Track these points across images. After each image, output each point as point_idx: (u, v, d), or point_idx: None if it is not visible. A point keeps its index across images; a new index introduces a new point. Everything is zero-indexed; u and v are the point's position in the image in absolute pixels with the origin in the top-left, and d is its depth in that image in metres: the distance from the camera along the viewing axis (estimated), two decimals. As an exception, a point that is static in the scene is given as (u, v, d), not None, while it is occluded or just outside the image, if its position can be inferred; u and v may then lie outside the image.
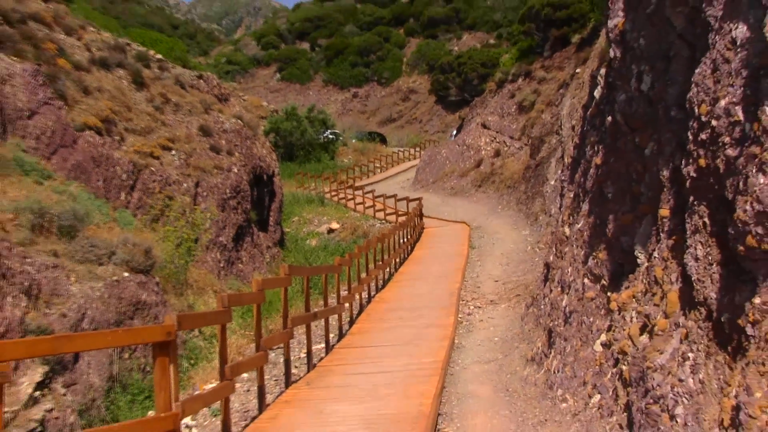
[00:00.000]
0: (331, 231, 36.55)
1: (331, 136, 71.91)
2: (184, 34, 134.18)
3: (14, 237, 15.35)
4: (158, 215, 21.14)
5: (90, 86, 22.60)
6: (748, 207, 5.75)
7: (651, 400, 7.10)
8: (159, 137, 23.50)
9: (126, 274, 16.69)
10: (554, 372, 11.05)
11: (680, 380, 6.71)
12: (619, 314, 8.95)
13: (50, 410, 12.49)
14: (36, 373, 12.70)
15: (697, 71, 7.13)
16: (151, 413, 10.93)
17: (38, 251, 15.50)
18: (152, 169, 21.90)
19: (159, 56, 31.57)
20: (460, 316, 17.97)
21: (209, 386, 12.47)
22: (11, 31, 21.15)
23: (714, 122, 6.55)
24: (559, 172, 23.70)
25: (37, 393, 12.57)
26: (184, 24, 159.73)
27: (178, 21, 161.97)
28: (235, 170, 25.70)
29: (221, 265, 22.45)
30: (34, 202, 16.46)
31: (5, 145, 18.08)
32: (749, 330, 5.71)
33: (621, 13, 10.52)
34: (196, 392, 12.15)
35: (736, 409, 5.43)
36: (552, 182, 27.69)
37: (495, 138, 46.88)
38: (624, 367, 8.25)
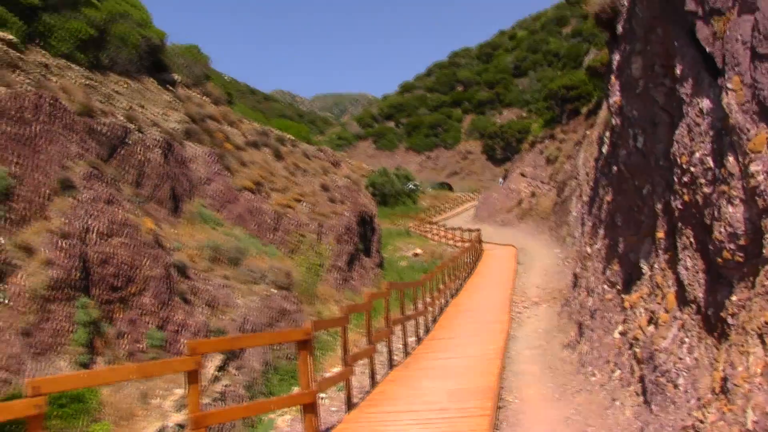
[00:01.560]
0: (416, 255, 36.48)
1: (412, 187, 72.21)
2: (307, 120, 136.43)
3: (200, 266, 15.75)
4: (294, 248, 21.40)
5: (246, 160, 23.12)
6: (722, 230, 5.79)
7: (659, 374, 6.97)
8: (293, 193, 23.85)
9: (274, 291, 16.97)
10: (585, 354, 10.90)
11: (680, 359, 6.61)
12: (631, 311, 8.82)
13: (227, 385, 12.74)
14: (217, 359, 12.98)
15: (677, 132, 7.18)
16: (296, 389, 11.01)
17: (215, 275, 15.87)
18: (289, 215, 22.22)
19: (291, 137, 32.14)
20: (512, 314, 17.79)
21: (335, 370, 12.53)
22: (196, 127, 21.84)
23: (692, 168, 6.65)
24: (579, 206, 23.42)
25: (218, 373, 12.84)
26: (307, 113, 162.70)
27: (303, 111, 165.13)
28: (347, 214, 25.86)
29: (339, 282, 22.55)
30: (211, 241, 16.88)
31: (192, 203, 18.59)
32: (729, 320, 5.66)
33: (618, 93, 10.61)
34: (327, 375, 12.20)
35: (724, 380, 5.32)
36: (574, 213, 27.37)
37: (531, 183, 46.84)
38: (637, 350, 8.12)
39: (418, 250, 37.65)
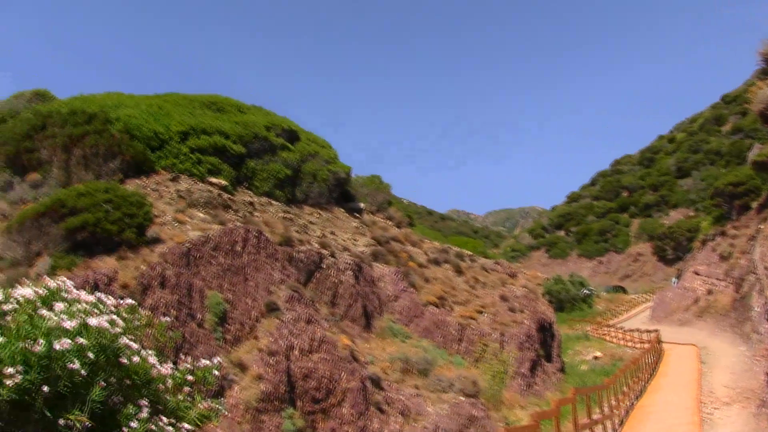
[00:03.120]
0: (596, 358, 34.31)
1: (587, 292, 69.13)
2: (482, 235, 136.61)
3: (392, 377, 15.59)
4: (479, 357, 20.77)
5: (429, 277, 23.18)
6: None
7: None
8: (474, 305, 23.42)
9: (462, 398, 16.39)
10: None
11: None
12: None
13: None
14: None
15: None
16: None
17: (406, 385, 15.61)
18: (472, 326, 21.74)
19: (469, 252, 31.99)
20: (702, 415, 15.88)
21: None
22: (382, 248, 22.35)
23: None
24: (762, 301, 21.15)
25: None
26: (480, 229, 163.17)
27: (477, 228, 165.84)
28: (526, 322, 24.91)
29: (523, 388, 21.46)
30: (401, 354, 16.76)
31: (382, 319, 18.73)
32: None
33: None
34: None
35: None
36: (756, 309, 24.76)
37: (706, 281, 43.28)
38: None
39: (598, 353, 35.40)
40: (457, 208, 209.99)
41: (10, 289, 5.02)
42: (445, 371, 17.54)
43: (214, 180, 19.51)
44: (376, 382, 14.76)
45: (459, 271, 26.53)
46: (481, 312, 23.16)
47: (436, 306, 21.35)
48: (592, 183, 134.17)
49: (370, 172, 42.58)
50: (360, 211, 26.14)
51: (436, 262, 25.84)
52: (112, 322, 4.60)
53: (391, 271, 21.05)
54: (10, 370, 3.50)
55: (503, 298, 26.21)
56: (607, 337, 43.97)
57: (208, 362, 5.39)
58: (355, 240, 22.34)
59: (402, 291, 20.61)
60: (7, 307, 4.49)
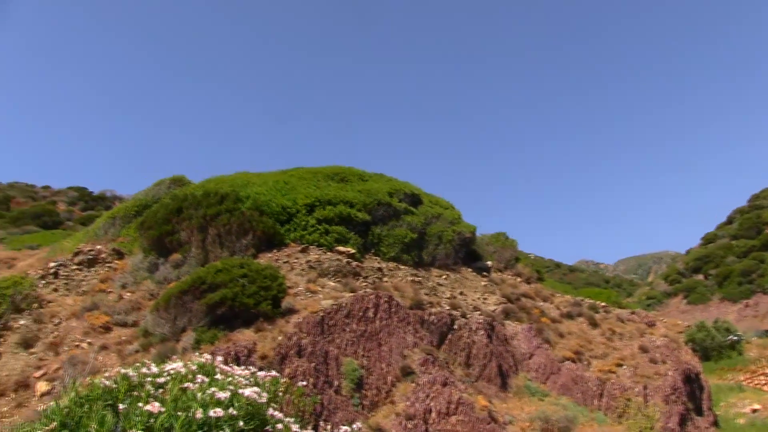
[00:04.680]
0: (754, 411, 31.19)
1: (735, 338, 63.69)
2: (613, 284, 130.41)
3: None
4: (621, 413, 19.44)
5: (563, 331, 22.23)
6: None
7: None
8: (613, 358, 22.11)
9: (611, 459, 15.30)
10: None
11: None
12: None
13: None
14: None
15: None
16: None
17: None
18: (612, 380, 20.46)
19: (602, 304, 30.49)
20: None
21: None
22: (512, 306, 21.77)
23: None
24: None
25: None
26: (612, 278, 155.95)
27: (608, 277, 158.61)
28: (670, 373, 23.15)
29: (675, 444, 19.78)
30: (540, 412, 16.01)
31: (518, 377, 18.06)
32: None
33: None
34: None
35: None
36: None
37: None
38: None
39: (757, 406, 32.15)
40: (585, 258, 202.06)
41: (163, 365, 5.32)
42: (587, 429, 16.54)
43: (341, 248, 19.89)
44: (517, 444, 14.12)
45: (594, 324, 25.27)
46: (620, 365, 21.81)
47: (573, 361, 20.34)
48: (729, 221, 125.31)
49: (493, 229, 42.04)
50: (487, 269, 25.70)
51: (570, 316, 24.77)
52: (259, 394, 4.76)
53: (524, 328, 20.37)
54: None
55: (643, 350, 24.60)
56: (766, 387, 40.05)
57: (347, 428, 5.39)
58: (485, 299, 21.89)
59: (536, 348, 19.85)
60: (161, 381, 4.77)
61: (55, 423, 4.01)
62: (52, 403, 4.42)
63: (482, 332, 17.77)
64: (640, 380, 21.40)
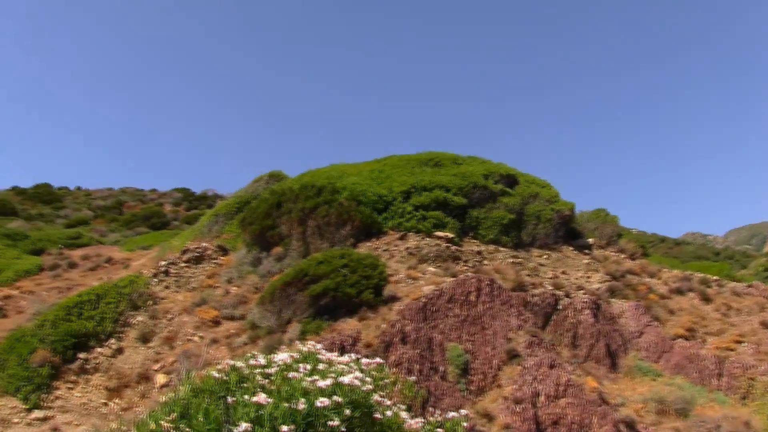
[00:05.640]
0: None
1: None
2: (724, 257, 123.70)
3: (647, 419, 14.27)
4: (745, 393, 18.32)
5: (673, 308, 21.20)
6: None
7: None
8: (730, 335, 20.86)
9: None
10: None
11: None
12: None
13: None
14: None
15: None
16: None
17: (664, 428, 14.15)
18: (731, 359, 19.31)
19: (714, 277, 28.89)
20: None
21: None
22: (617, 283, 20.98)
23: None
24: None
25: None
26: (722, 250, 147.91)
27: (718, 249, 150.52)
28: (797, 349, 21.66)
29: (804, 424, 18.48)
30: (654, 393, 15.34)
31: (627, 357, 17.38)
32: None
33: None
34: None
35: None
36: None
37: None
38: None
39: None
40: (691, 230, 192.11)
41: (270, 355, 5.41)
42: (708, 411, 15.64)
43: (440, 234, 19.73)
44: (631, 425, 13.55)
45: (706, 299, 23.95)
46: (740, 342, 20.56)
47: (686, 339, 19.35)
48: None
49: (591, 205, 40.70)
50: (589, 247, 24.86)
51: (679, 292, 23.58)
52: (362, 381, 4.73)
53: (631, 305, 19.56)
54: (285, 428, 3.77)
55: (765, 325, 23.10)
56: None
57: (455, 414, 5.32)
58: (588, 277, 21.17)
59: (645, 326, 19.01)
60: (270, 371, 4.84)
61: (174, 414, 4.16)
62: (170, 395, 4.61)
63: (588, 311, 17.19)
64: (765, 358, 20.12)
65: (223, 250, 22.77)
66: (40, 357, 15.27)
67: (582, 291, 18.79)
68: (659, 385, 16.35)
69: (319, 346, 5.76)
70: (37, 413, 14.05)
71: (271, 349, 11.33)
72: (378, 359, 5.77)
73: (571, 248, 23.77)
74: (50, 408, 14.33)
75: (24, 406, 14.23)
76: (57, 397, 14.70)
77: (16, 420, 13.83)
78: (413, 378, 6.12)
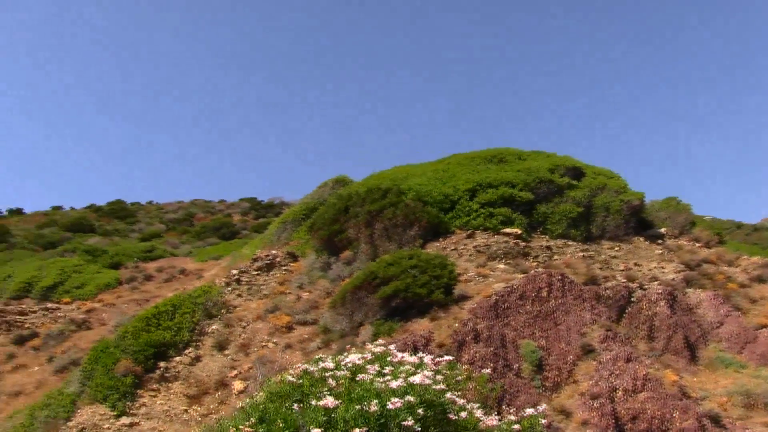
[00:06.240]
0: None
1: None
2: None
3: (733, 413, 13.78)
4: (839, 383, 17.45)
5: (755, 297, 20.36)
6: None
7: None
8: (820, 321, 19.92)
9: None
10: None
11: None
12: None
13: None
14: None
15: None
16: None
17: (753, 423, 13.63)
18: (821, 347, 18.42)
19: (797, 263, 27.60)
20: None
21: None
22: (693, 273, 20.33)
23: None
24: None
25: None
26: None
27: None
28: None
29: None
30: (739, 386, 14.79)
31: (707, 348, 16.82)
32: None
33: None
34: None
35: None
36: None
37: None
38: None
39: None
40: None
41: (338, 357, 5.49)
42: (799, 403, 14.99)
43: (508, 230, 19.58)
44: (716, 420, 13.11)
45: (791, 286, 22.93)
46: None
47: (771, 328, 18.57)
48: None
49: (662, 195, 39.53)
50: (661, 237, 24.16)
51: (761, 279, 22.62)
52: (434, 380, 4.74)
53: (709, 295, 18.91)
54: (358, 431, 3.74)
55: None
56: None
57: (532, 411, 5.28)
58: (661, 268, 20.59)
59: (725, 316, 18.35)
60: (339, 374, 4.91)
61: (253, 419, 4.28)
62: (248, 400, 4.75)
63: (663, 303, 16.74)
64: None
65: (293, 257, 23.20)
66: (124, 367, 15.96)
67: (656, 282, 18.31)
68: (744, 377, 15.75)
69: (391, 347, 5.82)
70: (124, 420, 14.71)
71: (343, 353, 11.52)
72: (448, 357, 5.77)
73: (643, 239, 23.16)
74: (135, 415, 14.97)
75: (112, 413, 14.92)
76: (141, 405, 15.33)
77: (106, 426, 14.52)
78: (486, 371, 6.12)
